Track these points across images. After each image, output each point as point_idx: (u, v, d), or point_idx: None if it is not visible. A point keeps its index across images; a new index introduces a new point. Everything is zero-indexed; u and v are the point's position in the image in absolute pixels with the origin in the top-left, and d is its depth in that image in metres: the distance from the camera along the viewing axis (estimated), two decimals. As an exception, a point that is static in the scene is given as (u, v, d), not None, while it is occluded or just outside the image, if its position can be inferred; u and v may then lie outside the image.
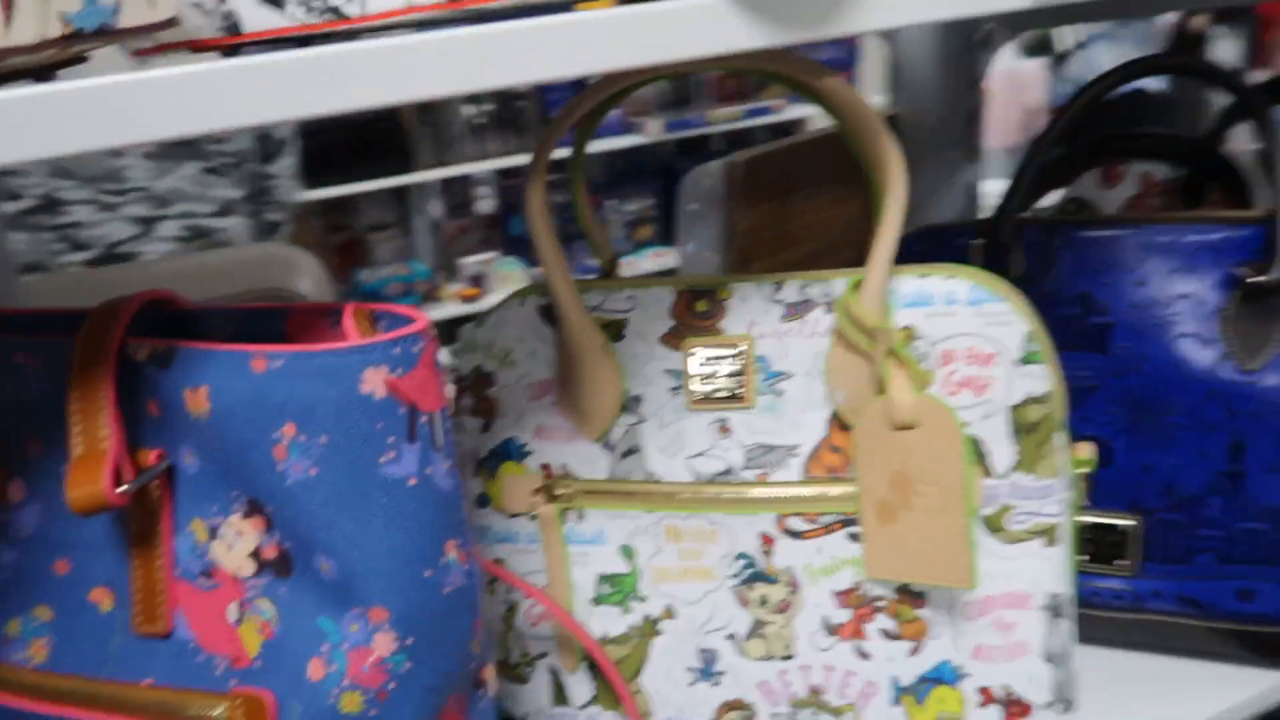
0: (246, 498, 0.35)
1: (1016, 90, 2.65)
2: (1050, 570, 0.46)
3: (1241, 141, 0.66)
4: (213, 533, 0.36)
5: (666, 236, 3.11)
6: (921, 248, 0.60)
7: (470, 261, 2.94)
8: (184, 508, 0.36)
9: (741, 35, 0.33)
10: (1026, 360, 0.45)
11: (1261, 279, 0.52)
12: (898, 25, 0.35)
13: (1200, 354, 0.54)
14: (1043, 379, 0.45)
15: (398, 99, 0.30)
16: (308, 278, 0.65)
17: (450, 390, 0.52)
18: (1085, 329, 0.57)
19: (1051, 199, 0.70)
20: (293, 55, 0.29)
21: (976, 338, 0.45)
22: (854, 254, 0.61)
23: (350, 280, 2.76)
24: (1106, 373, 0.56)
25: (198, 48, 0.42)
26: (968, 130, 0.72)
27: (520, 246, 3.01)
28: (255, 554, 0.35)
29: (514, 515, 0.51)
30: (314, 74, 0.29)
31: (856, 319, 0.44)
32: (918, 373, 0.44)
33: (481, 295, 2.98)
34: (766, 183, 0.71)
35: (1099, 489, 0.57)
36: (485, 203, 3.07)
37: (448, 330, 3.10)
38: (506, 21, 0.31)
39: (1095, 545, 0.58)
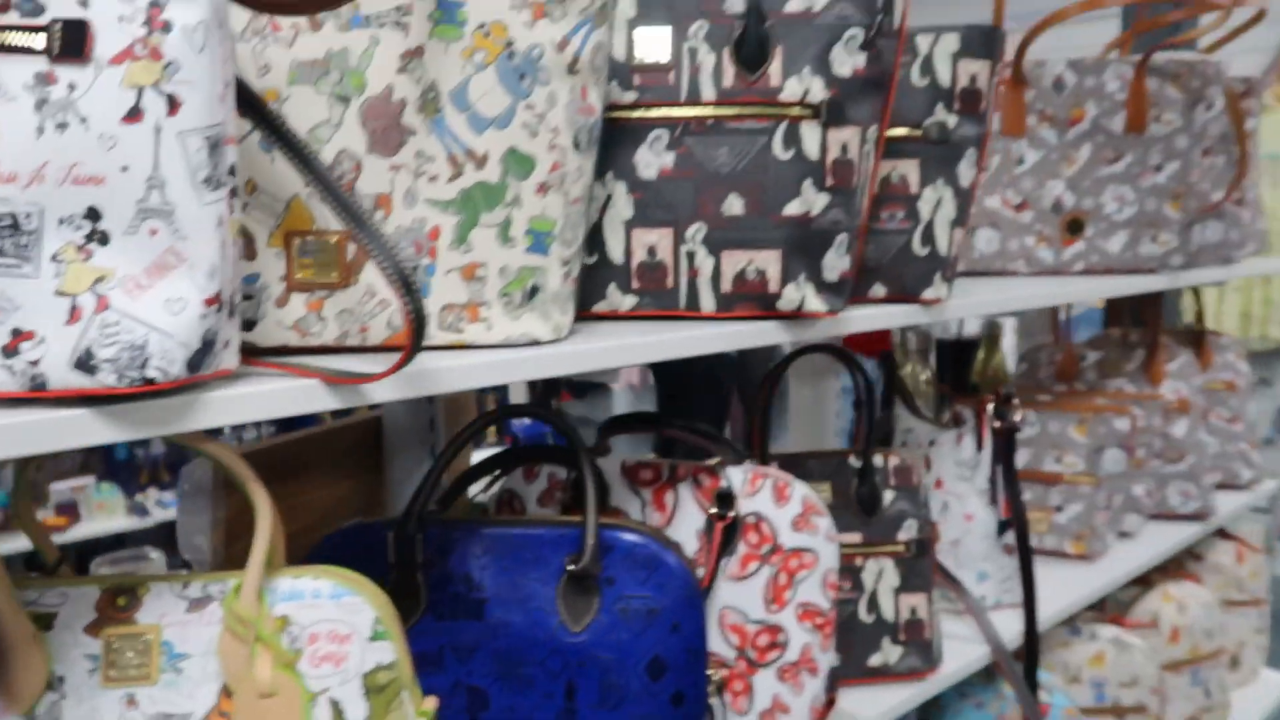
0: None
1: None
2: (395, 800, 0.61)
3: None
4: None
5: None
6: (353, 538, 0.77)
7: (61, 487, 2.77)
8: None
9: (107, 433, 0.49)
10: (375, 638, 0.61)
11: (575, 568, 0.74)
12: (228, 424, 0.52)
13: (546, 620, 0.75)
14: (389, 651, 0.62)
15: None
16: None
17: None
18: (469, 603, 0.76)
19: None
20: None
21: (337, 622, 0.61)
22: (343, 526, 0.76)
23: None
24: (484, 636, 0.75)
25: None
26: (430, 433, 0.92)
27: (121, 472, 2.89)
28: None
29: (-65, 789, 0.58)
30: None
31: (235, 613, 0.59)
32: (280, 653, 0.59)
33: (72, 525, 2.80)
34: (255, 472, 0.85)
35: (481, 728, 0.75)
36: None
37: (28, 564, 2.84)
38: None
39: (478, 774, 0.74)
